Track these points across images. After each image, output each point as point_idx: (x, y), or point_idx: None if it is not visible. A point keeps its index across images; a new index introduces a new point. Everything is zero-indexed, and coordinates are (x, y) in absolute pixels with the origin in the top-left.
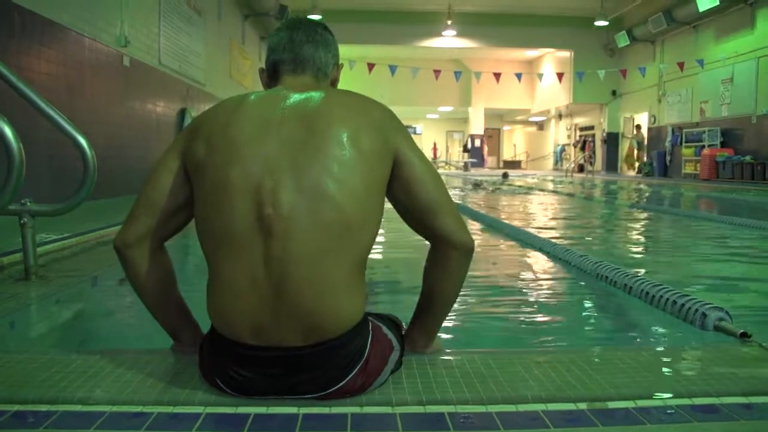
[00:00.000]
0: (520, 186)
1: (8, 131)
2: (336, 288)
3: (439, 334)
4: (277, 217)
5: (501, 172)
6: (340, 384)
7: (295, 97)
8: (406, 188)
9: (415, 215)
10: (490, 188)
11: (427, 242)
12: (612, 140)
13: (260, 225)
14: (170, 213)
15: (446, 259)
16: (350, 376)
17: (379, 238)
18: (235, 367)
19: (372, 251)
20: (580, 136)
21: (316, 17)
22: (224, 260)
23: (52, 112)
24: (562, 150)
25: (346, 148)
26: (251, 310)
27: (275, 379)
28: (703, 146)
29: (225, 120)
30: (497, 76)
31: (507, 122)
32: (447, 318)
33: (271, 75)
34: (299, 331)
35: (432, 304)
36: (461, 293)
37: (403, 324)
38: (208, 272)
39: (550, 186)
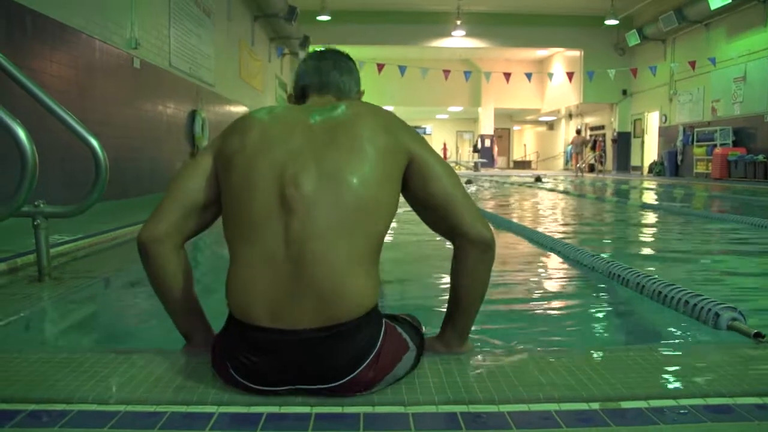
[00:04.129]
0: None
1: (22, 134)
2: (351, 267)
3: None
4: (298, 197)
5: (511, 171)
6: (352, 375)
7: (322, 108)
8: (422, 185)
9: (434, 212)
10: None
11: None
12: (623, 140)
13: (282, 203)
14: (198, 208)
15: (465, 255)
16: (362, 367)
17: (391, 247)
18: (247, 354)
19: (384, 255)
20: (582, 133)
21: (325, 18)
22: (246, 240)
23: (64, 114)
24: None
25: (363, 145)
26: (268, 287)
27: (287, 367)
28: (715, 145)
29: (258, 121)
30: (507, 75)
31: (517, 122)
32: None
33: (299, 97)
34: (313, 310)
35: (459, 302)
36: None
37: (422, 324)
38: (230, 260)
39: (561, 186)
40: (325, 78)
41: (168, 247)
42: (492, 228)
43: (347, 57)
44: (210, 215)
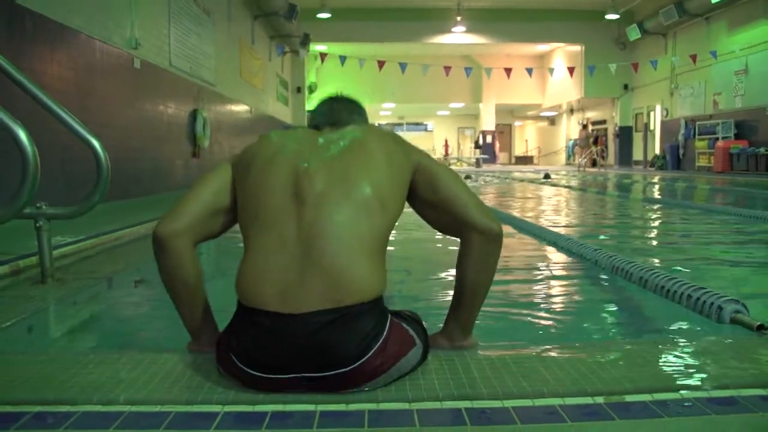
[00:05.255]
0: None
1: (23, 135)
2: (357, 253)
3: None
4: (311, 190)
5: (513, 167)
6: (358, 363)
7: (333, 131)
8: (429, 187)
9: (441, 210)
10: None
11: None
12: (625, 134)
13: (295, 196)
14: (214, 212)
15: (471, 244)
16: (369, 355)
17: (393, 247)
18: (253, 339)
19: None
20: (588, 128)
21: (325, 16)
22: (261, 230)
23: (65, 116)
24: (575, 145)
25: (372, 153)
26: (280, 269)
27: (293, 352)
28: (717, 138)
29: (274, 137)
30: (508, 71)
31: (518, 118)
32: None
33: None
34: (321, 293)
35: (463, 295)
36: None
37: (423, 320)
38: (244, 251)
39: (564, 181)
40: (336, 116)
41: (184, 242)
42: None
43: (359, 103)
44: (223, 221)
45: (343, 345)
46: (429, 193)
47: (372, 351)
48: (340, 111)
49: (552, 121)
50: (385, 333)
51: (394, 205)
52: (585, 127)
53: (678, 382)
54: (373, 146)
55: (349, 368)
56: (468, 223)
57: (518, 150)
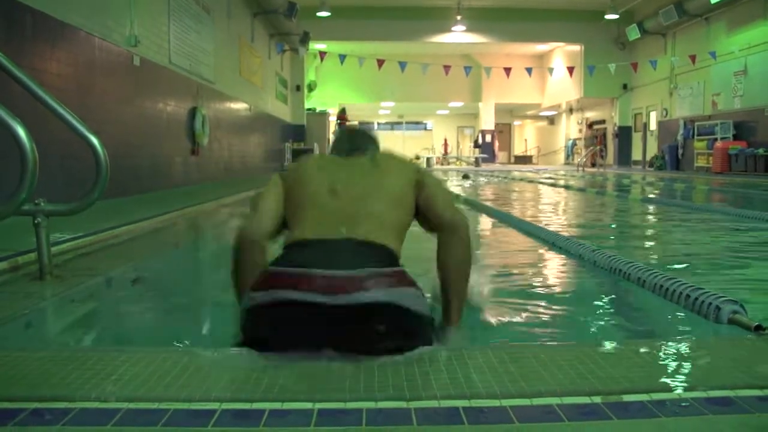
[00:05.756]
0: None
1: (22, 132)
2: (385, 229)
3: (465, 333)
4: (343, 192)
5: (512, 167)
6: (374, 265)
7: (357, 156)
8: (421, 190)
9: (424, 207)
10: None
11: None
12: (624, 134)
13: (331, 194)
14: (278, 216)
15: (441, 236)
16: (383, 266)
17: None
18: (287, 255)
19: None
20: (591, 127)
21: (324, 14)
22: (304, 212)
23: (64, 113)
24: (574, 144)
25: (390, 170)
26: (319, 226)
27: (322, 250)
28: (716, 139)
29: (311, 158)
30: (507, 71)
31: (517, 117)
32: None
33: None
34: (352, 234)
35: (442, 283)
36: (473, 287)
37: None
38: (289, 232)
39: (563, 181)
40: (355, 144)
41: (266, 242)
42: (491, 222)
43: (372, 134)
44: (280, 223)
45: (365, 252)
46: (420, 197)
47: (386, 266)
48: (358, 140)
49: (551, 120)
50: (401, 271)
51: (408, 203)
52: (591, 126)
53: (675, 382)
54: (390, 163)
55: (365, 265)
56: (437, 217)
57: (517, 149)
